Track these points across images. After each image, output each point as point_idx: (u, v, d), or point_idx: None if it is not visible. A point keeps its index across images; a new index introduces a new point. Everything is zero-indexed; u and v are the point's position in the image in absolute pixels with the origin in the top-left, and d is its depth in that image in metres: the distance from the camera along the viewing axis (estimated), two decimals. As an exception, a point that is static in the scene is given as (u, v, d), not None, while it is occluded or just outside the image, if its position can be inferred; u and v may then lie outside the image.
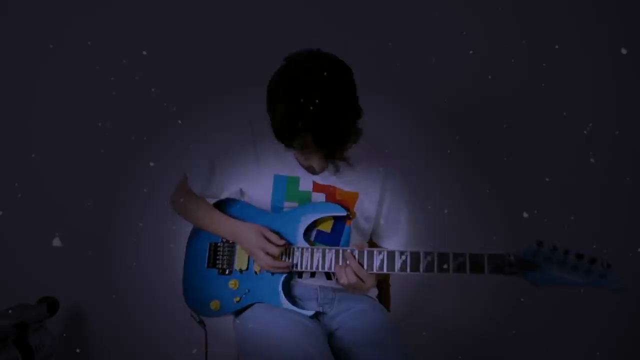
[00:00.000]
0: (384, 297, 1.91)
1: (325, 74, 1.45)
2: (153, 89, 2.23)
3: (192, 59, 2.26)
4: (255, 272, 1.72)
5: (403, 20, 2.26)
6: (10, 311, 2.08)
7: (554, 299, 2.27)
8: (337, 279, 1.63)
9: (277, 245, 1.63)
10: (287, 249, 1.66)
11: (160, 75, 2.27)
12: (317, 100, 1.42)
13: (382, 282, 1.93)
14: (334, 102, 1.45)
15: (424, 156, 2.26)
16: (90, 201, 2.31)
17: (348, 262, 1.59)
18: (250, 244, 1.66)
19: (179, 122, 2.20)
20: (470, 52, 2.18)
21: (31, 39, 2.31)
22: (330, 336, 1.63)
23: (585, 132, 2.19)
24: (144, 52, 2.23)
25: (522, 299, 2.22)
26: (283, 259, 1.67)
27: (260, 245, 1.64)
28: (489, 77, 2.18)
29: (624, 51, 2.07)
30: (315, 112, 1.42)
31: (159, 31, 2.26)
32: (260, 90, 1.55)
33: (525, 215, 1.93)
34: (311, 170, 1.68)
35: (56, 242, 2.19)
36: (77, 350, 2.37)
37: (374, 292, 1.83)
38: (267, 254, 1.64)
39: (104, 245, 2.32)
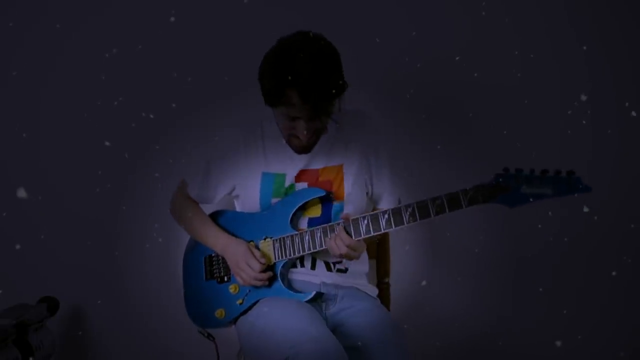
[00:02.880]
0: (384, 297, 1.93)
1: (312, 44, 1.56)
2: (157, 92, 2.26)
3: (193, 62, 2.27)
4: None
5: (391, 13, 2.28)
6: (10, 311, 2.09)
7: (555, 298, 2.28)
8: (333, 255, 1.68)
9: (260, 262, 1.70)
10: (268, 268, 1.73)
11: (159, 78, 2.28)
12: (303, 62, 1.52)
13: (382, 282, 1.94)
14: (318, 61, 1.53)
15: (406, 126, 2.29)
16: (91, 202, 2.31)
17: (338, 234, 1.65)
18: (237, 256, 1.73)
19: (151, 116, 2.21)
20: (457, 58, 2.21)
21: (36, 40, 2.31)
22: (334, 332, 1.64)
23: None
24: (145, 54, 2.25)
25: (540, 289, 2.24)
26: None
27: (246, 259, 1.71)
28: (475, 75, 2.21)
29: (583, 97, 2.10)
30: (302, 71, 1.52)
31: (162, 34, 2.27)
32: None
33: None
34: (296, 144, 1.71)
35: (20, 193, 2.18)
36: (77, 351, 2.36)
37: (374, 291, 1.84)
38: (250, 267, 1.71)
39: (105, 245, 2.32)
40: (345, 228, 1.65)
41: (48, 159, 2.32)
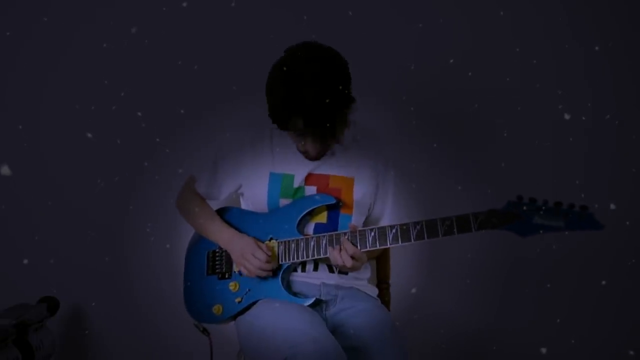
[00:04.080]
0: (384, 297, 1.93)
1: (317, 64, 1.56)
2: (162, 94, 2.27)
3: (201, 64, 2.27)
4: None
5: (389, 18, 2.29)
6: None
7: (554, 297, 2.28)
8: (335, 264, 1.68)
9: (266, 253, 1.70)
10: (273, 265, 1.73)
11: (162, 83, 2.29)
12: (307, 88, 1.53)
13: (382, 282, 1.95)
14: (323, 90, 1.54)
15: (412, 143, 2.29)
16: (91, 202, 2.31)
17: (342, 245, 1.65)
18: (242, 247, 1.73)
19: (157, 139, 2.24)
20: (451, 61, 2.21)
21: (42, 40, 2.32)
22: (333, 333, 1.65)
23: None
24: (153, 57, 2.27)
25: (548, 285, 2.25)
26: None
27: (251, 250, 1.71)
28: (469, 73, 2.21)
29: (567, 116, 2.08)
30: (306, 99, 1.53)
31: (173, 33, 2.28)
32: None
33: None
34: (307, 156, 1.73)
35: (5, 170, 2.18)
36: (77, 351, 2.36)
37: (374, 291, 1.85)
38: (255, 257, 1.71)
39: (105, 245, 2.32)
40: (351, 239, 1.65)
41: (50, 159, 2.33)
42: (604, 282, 2.19)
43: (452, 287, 2.32)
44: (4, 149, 2.33)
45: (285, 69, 1.58)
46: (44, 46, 2.31)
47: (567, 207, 1.48)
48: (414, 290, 1.90)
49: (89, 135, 2.24)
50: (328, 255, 1.67)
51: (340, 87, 1.58)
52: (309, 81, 1.54)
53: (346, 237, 1.66)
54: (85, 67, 2.30)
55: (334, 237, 1.68)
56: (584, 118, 2.22)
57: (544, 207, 1.49)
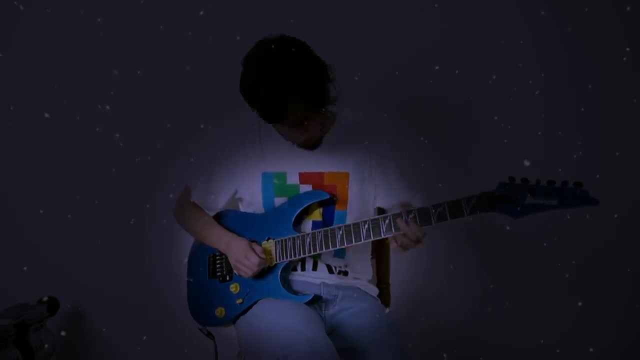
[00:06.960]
0: (384, 296, 1.94)
1: (280, 51, 1.55)
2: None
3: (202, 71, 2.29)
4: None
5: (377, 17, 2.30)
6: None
7: (549, 297, 2.31)
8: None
9: (259, 257, 1.71)
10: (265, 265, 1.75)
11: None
12: (288, 73, 1.52)
13: (382, 282, 1.97)
14: (302, 66, 1.54)
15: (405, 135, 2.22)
16: (92, 202, 2.32)
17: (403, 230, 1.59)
18: (238, 251, 1.74)
19: (168, 125, 2.24)
20: (437, 67, 2.22)
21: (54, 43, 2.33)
22: (332, 333, 1.67)
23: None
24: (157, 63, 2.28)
25: (507, 303, 2.25)
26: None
27: (245, 253, 1.72)
28: (456, 71, 2.21)
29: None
30: (293, 82, 1.53)
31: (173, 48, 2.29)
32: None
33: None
34: (310, 143, 1.73)
35: None
36: (78, 350, 2.38)
37: (374, 290, 1.87)
38: (249, 260, 1.72)
39: (105, 245, 2.32)
40: (408, 219, 1.59)
41: (51, 159, 2.33)
42: (586, 296, 2.19)
43: (453, 288, 2.32)
44: (4, 149, 2.35)
45: (257, 73, 1.56)
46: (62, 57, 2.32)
47: (561, 185, 1.45)
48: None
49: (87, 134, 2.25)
50: (401, 231, 1.60)
51: (313, 57, 1.59)
52: (286, 68, 1.53)
53: (401, 217, 1.59)
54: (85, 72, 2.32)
55: (329, 232, 1.68)
56: (583, 109, 2.22)
57: (536, 186, 1.47)
